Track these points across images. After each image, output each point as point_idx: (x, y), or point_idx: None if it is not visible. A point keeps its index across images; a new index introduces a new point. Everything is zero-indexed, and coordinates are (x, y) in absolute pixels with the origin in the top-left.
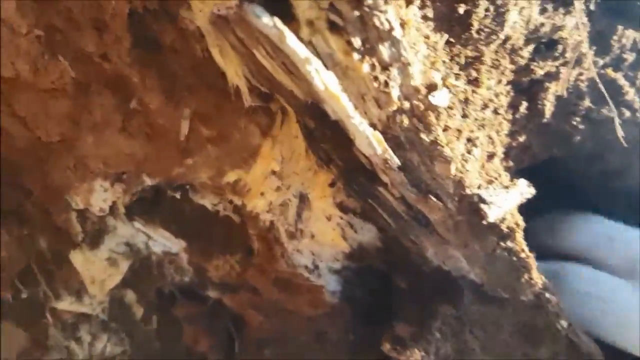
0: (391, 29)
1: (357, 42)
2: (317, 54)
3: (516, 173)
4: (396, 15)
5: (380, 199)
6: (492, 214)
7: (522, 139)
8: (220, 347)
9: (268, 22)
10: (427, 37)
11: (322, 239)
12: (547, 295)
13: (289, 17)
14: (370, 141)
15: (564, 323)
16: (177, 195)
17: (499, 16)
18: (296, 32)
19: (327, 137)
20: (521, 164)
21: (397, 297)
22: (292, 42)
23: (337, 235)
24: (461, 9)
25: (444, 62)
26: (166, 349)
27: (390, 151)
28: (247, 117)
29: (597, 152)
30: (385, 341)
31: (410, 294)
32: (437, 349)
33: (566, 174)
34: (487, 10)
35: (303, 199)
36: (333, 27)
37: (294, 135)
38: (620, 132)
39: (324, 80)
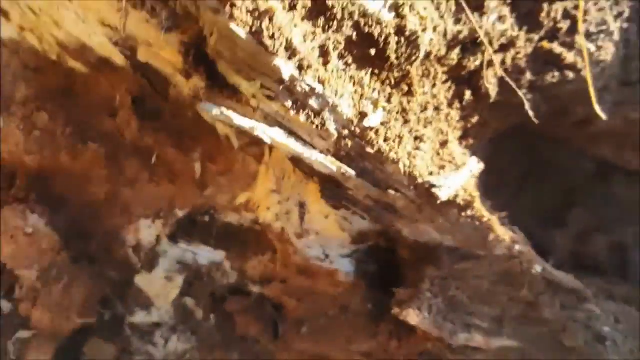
0: (312, 89)
1: (289, 103)
2: (267, 114)
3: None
4: (314, 78)
5: (351, 200)
6: (444, 194)
7: (475, 119)
8: (267, 330)
9: (216, 112)
10: (352, 77)
11: (326, 233)
12: (518, 247)
13: (239, 94)
14: (325, 164)
15: (539, 267)
16: (207, 219)
17: (412, 42)
18: (247, 102)
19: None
20: (484, 137)
21: (402, 267)
22: (238, 121)
23: (336, 228)
24: (373, 51)
25: (374, 89)
26: (225, 339)
27: (344, 167)
28: (243, 151)
29: (558, 109)
30: (394, 306)
31: (409, 263)
32: (429, 305)
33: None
34: (398, 42)
35: (302, 205)
36: (270, 97)
37: (282, 159)
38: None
39: (271, 136)
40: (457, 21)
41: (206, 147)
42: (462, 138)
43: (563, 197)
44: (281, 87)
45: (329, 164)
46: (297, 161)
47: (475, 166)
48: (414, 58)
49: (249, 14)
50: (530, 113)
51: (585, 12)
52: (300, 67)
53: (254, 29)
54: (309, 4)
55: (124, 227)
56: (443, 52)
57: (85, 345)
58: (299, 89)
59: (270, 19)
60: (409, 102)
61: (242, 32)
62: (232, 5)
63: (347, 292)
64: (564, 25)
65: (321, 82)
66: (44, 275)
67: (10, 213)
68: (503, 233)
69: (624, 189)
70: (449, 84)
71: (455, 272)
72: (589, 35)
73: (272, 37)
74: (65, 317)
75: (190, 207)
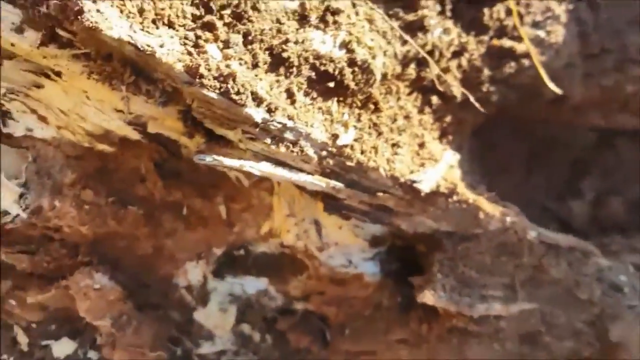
0: (284, 125)
1: (268, 140)
2: (255, 152)
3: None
4: (284, 116)
5: (348, 208)
6: (426, 187)
7: (449, 119)
8: (316, 340)
9: (209, 159)
10: (320, 108)
11: (344, 242)
12: (509, 219)
13: (230, 141)
14: (314, 183)
15: (533, 233)
16: (242, 252)
17: (365, 69)
18: (237, 146)
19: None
20: (464, 132)
21: (420, 259)
22: (227, 162)
23: (352, 236)
24: (332, 84)
25: (343, 113)
26: (283, 354)
27: (332, 182)
28: (256, 187)
29: (528, 93)
30: (416, 293)
31: (424, 254)
32: (442, 285)
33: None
34: (353, 72)
35: (317, 223)
36: (252, 138)
37: (289, 187)
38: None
39: (259, 169)
40: (404, 42)
41: (226, 190)
42: (441, 137)
43: (573, 169)
44: (257, 129)
45: (317, 181)
46: (300, 186)
47: (451, 158)
48: (371, 81)
49: (215, 79)
50: (477, 105)
51: (528, 5)
52: (269, 110)
53: (222, 90)
54: (269, 59)
55: (173, 272)
56: (399, 70)
57: None
58: (272, 127)
59: (234, 80)
60: (378, 117)
61: (213, 95)
62: (201, 77)
63: (376, 292)
64: (510, 21)
65: (291, 118)
66: (117, 323)
67: (80, 276)
68: (492, 209)
69: (630, 150)
70: (414, 94)
71: (459, 252)
72: (536, 24)
73: (238, 93)
74: (140, 353)
75: (225, 245)
